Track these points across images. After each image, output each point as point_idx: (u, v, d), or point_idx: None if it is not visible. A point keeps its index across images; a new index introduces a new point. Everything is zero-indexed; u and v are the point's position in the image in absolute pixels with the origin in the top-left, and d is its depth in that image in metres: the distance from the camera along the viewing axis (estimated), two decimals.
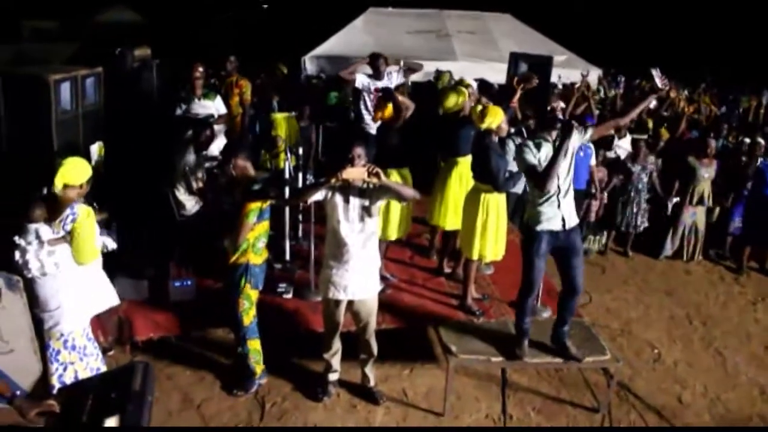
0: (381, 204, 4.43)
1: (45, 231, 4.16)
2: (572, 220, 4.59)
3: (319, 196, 4.27)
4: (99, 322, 4.93)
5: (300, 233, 6.68)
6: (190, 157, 5.62)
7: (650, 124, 9.50)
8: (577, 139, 4.44)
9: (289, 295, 5.73)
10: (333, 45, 12.10)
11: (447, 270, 6.43)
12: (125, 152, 6.36)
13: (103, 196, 4.94)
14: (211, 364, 5.19)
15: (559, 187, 4.45)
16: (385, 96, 5.80)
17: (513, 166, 5.28)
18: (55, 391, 4.33)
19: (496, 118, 5.31)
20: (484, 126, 5.33)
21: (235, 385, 4.87)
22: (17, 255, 4.15)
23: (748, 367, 5.79)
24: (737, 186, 8.01)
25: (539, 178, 4.36)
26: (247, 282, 4.53)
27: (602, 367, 4.98)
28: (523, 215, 4.93)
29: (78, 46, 13.49)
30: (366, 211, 4.30)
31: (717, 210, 8.23)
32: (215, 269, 4.86)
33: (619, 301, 6.87)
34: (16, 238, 4.15)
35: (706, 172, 7.78)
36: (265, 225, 4.53)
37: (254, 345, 4.74)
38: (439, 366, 5.24)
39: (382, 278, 5.59)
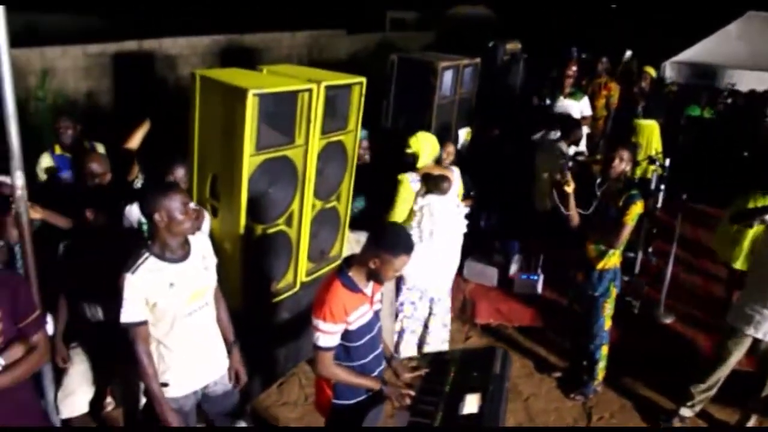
0: None
1: None
2: None
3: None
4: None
5: (650, 248, 6.34)
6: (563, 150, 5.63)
7: None
8: None
9: (636, 310, 5.47)
10: (700, 51, 11.21)
11: None
12: (490, 140, 6.60)
13: (468, 178, 5.18)
14: (541, 361, 5.21)
15: None
16: None
17: None
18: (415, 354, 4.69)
19: None
20: None
21: (572, 387, 4.82)
22: None
23: None
24: None
25: None
26: (614, 286, 4.45)
27: None
28: None
29: (434, 37, 14.39)
30: None
31: None
32: (568, 268, 4.77)
33: None
34: None
35: None
36: None
37: (605, 350, 4.63)
38: None
39: None
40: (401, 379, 3.18)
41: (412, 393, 3.02)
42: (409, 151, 4.60)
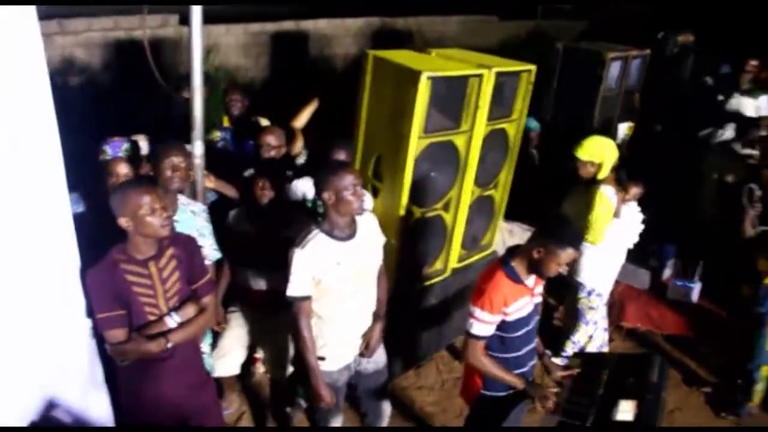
0: None
1: None
2: None
3: None
4: None
5: None
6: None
7: None
8: None
9: None
10: None
11: None
12: (652, 136, 6.30)
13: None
14: (692, 374, 4.94)
15: None
16: None
17: None
18: (570, 353, 4.60)
19: None
20: None
21: (722, 406, 4.54)
22: None
23: None
24: None
25: None
26: None
27: None
28: None
29: (588, 26, 13.87)
30: None
31: None
32: (732, 280, 4.48)
33: None
34: None
35: None
36: None
37: (766, 372, 4.33)
38: None
39: None
40: (552, 377, 3.11)
41: (555, 398, 2.93)
42: (590, 160, 4.21)
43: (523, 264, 2.89)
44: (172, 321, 2.70)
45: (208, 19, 3.22)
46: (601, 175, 4.24)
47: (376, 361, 3.33)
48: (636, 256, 5.39)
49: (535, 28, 12.97)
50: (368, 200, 3.79)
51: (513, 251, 2.96)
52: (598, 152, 4.20)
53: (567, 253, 2.78)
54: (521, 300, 2.92)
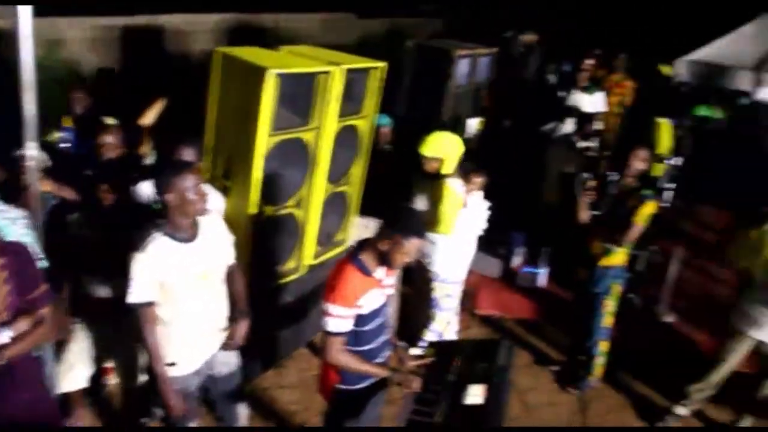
0: None
1: None
2: None
3: None
4: None
5: (656, 247, 6.34)
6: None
7: None
8: None
9: (638, 308, 5.49)
10: (713, 51, 11.10)
11: None
12: (501, 131, 6.59)
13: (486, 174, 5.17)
14: (542, 354, 5.22)
15: None
16: None
17: None
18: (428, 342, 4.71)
19: None
20: None
21: (568, 381, 4.83)
22: None
23: None
24: None
25: None
26: (618, 284, 4.45)
27: None
28: None
29: (445, 24, 14.30)
30: None
31: None
32: (572, 264, 4.78)
33: None
34: None
35: None
36: None
37: (604, 347, 4.64)
38: None
39: None
40: (405, 367, 3.19)
41: (419, 379, 3.02)
42: (433, 156, 4.31)
43: (372, 257, 2.94)
44: (3, 336, 2.54)
45: (51, 11, 3.02)
46: (445, 170, 4.37)
47: (229, 363, 3.28)
48: (486, 245, 5.64)
49: (393, 26, 13.18)
50: (218, 200, 3.72)
51: (362, 245, 3.01)
52: (441, 148, 4.34)
53: (413, 243, 2.86)
54: (372, 292, 2.96)
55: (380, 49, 8.35)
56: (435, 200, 4.34)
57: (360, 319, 2.97)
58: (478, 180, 4.54)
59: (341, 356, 2.97)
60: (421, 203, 4.40)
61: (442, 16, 14.86)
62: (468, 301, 5.53)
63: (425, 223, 4.01)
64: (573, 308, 4.84)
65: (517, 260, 5.69)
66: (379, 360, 3.17)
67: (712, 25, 11.94)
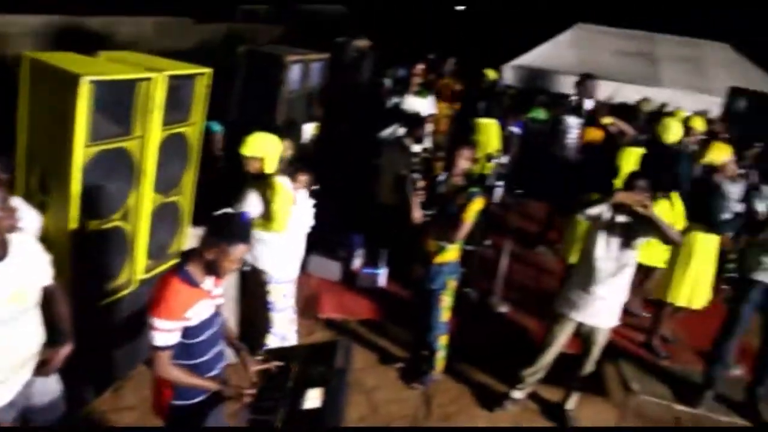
0: (644, 239, 4.29)
1: None
2: None
3: (593, 212, 4.26)
4: None
5: (488, 241, 6.68)
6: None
7: None
8: None
9: (473, 301, 5.75)
10: (536, 57, 11.94)
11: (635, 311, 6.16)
12: (337, 135, 6.66)
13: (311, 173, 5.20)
14: (386, 353, 5.32)
15: None
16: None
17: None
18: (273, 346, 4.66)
19: (719, 154, 5.03)
20: (704, 160, 5.08)
21: (412, 377, 4.96)
22: None
23: None
24: None
25: (754, 226, 4.13)
26: (453, 279, 4.62)
27: None
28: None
29: (285, 30, 14.30)
30: (626, 242, 4.23)
31: None
32: (410, 263, 4.93)
33: None
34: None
35: None
36: None
37: (444, 341, 4.80)
38: (608, 401, 5.04)
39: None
40: (249, 371, 3.14)
41: (253, 391, 2.99)
42: (253, 155, 4.29)
43: (198, 267, 2.87)
44: None
45: None
46: (268, 169, 4.35)
47: (48, 392, 3.08)
48: (326, 248, 5.70)
49: (232, 31, 12.96)
50: (33, 217, 3.48)
51: (187, 255, 2.93)
52: (260, 147, 4.31)
53: (239, 249, 2.82)
54: (200, 303, 2.89)
55: (217, 54, 8.19)
56: (266, 199, 4.32)
57: (190, 332, 2.88)
58: (303, 178, 4.58)
59: (171, 371, 2.88)
60: (252, 205, 4.34)
61: (281, 21, 14.82)
62: (311, 306, 5.56)
63: (257, 224, 4.02)
64: (412, 306, 4.98)
65: (357, 262, 5.79)
66: (215, 371, 3.10)
67: (533, 33, 12.83)
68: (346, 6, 18.27)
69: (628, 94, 10.21)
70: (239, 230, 2.86)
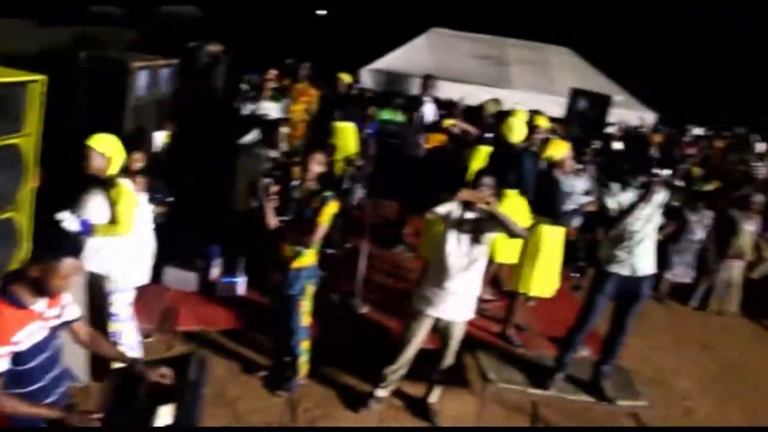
0: (493, 234, 4.47)
1: None
2: (645, 268, 4.62)
3: (441, 210, 4.38)
4: (145, 306, 5.02)
5: (347, 243, 6.74)
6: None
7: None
8: (664, 194, 4.53)
9: (335, 303, 5.78)
10: (392, 61, 12.22)
11: (486, 296, 6.36)
12: (190, 143, 6.48)
13: (163, 183, 5.05)
14: (249, 362, 5.24)
15: (633, 233, 4.48)
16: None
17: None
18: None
19: (558, 151, 5.35)
20: (544, 156, 5.39)
21: (276, 385, 4.92)
22: None
23: None
24: None
25: (608, 222, 4.43)
26: (311, 284, 4.63)
27: (633, 412, 4.96)
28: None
29: (138, 35, 13.80)
30: (475, 238, 4.40)
31: (762, 266, 8.05)
32: (268, 270, 4.89)
33: (654, 349, 6.77)
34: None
35: (749, 226, 7.68)
36: None
37: (306, 346, 4.80)
38: (469, 391, 5.23)
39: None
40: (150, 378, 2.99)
41: (100, 415, 2.84)
42: (102, 152, 4.12)
43: (25, 288, 2.68)
44: None
45: None
46: (111, 170, 4.20)
47: None
48: (182, 260, 5.54)
49: (83, 35, 12.29)
50: None
51: (12, 277, 2.74)
52: (110, 146, 4.18)
53: (67, 265, 2.67)
54: (30, 326, 2.70)
55: (61, 59, 7.76)
56: (111, 201, 4.17)
57: (20, 357, 2.69)
58: (141, 181, 4.50)
59: (3, 400, 2.67)
60: (95, 208, 4.15)
61: (134, 25, 14.29)
62: (168, 319, 5.38)
63: (101, 230, 3.96)
64: (272, 312, 4.93)
65: (215, 271, 5.67)
66: (53, 397, 2.91)
67: (388, 37, 13.13)
68: (202, 9, 17.92)
69: (480, 95, 10.66)
70: (66, 243, 2.71)
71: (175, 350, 5.22)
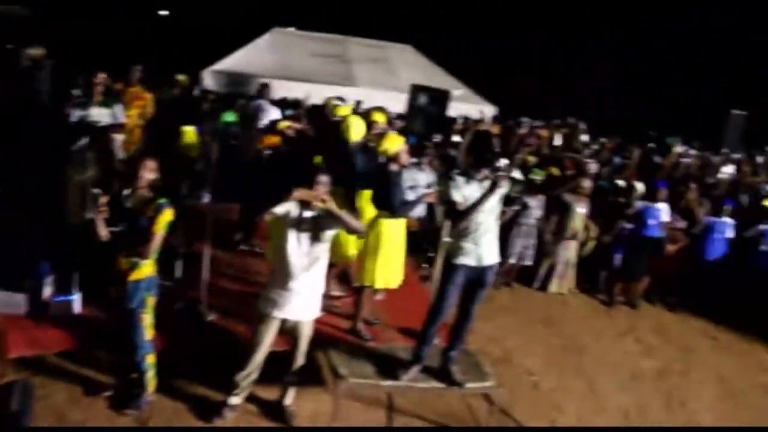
0: (332, 232, 4.51)
1: None
2: (490, 258, 4.78)
3: (279, 211, 4.34)
4: None
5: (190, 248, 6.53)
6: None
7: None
8: (506, 186, 4.69)
9: (180, 312, 5.59)
10: (235, 61, 12.07)
11: (336, 293, 6.41)
12: (11, 154, 6.02)
13: None
14: (91, 383, 4.96)
15: (478, 224, 4.63)
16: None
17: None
18: None
19: (393, 145, 5.48)
20: (380, 150, 5.51)
21: (123, 404, 4.70)
22: None
23: (616, 394, 6.22)
24: (614, 224, 8.54)
25: (456, 215, 4.57)
26: (150, 295, 4.48)
27: (484, 393, 5.16)
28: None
29: None
30: (315, 236, 4.43)
31: (590, 245, 8.69)
32: (105, 284, 4.64)
33: (501, 330, 7.13)
34: None
35: (581, 209, 8.27)
36: None
37: (152, 360, 4.64)
38: (325, 390, 5.20)
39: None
40: None
41: None
42: None
43: None
44: None
45: None
46: None
47: None
48: (8, 281, 5.13)
49: None
50: None
51: None
52: None
53: None
54: None
55: None
56: None
57: None
58: None
59: None
60: None
61: None
62: None
63: None
64: (113, 329, 4.70)
65: (47, 290, 5.29)
66: None
67: (232, 38, 12.94)
68: (31, 9, 16.77)
69: (325, 94, 10.72)
70: None
71: (6, 380, 4.85)
